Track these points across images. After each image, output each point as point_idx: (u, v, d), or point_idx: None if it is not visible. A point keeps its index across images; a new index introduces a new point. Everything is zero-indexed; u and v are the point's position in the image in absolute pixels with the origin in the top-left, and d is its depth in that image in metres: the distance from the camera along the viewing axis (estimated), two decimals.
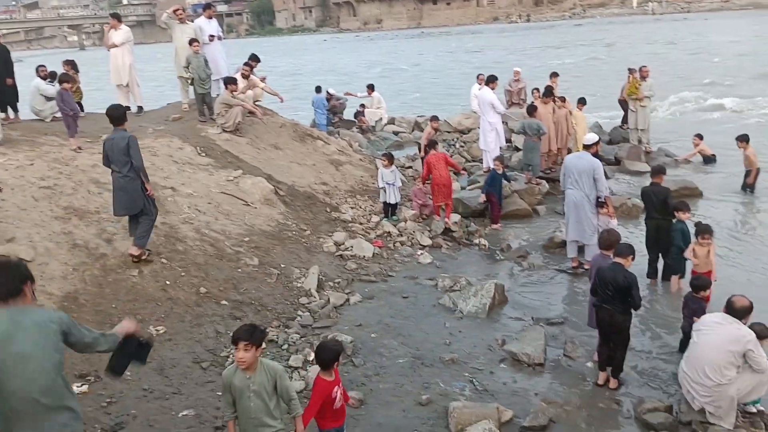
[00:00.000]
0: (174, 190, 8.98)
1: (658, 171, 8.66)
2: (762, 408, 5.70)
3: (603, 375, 6.27)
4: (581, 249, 9.02)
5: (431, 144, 11.76)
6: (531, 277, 9.07)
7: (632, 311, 6.06)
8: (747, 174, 12.13)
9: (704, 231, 7.46)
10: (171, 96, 17.95)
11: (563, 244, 9.48)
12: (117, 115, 7.07)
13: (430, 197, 11.37)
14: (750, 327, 5.57)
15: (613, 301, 5.97)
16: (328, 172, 11.98)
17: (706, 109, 21.24)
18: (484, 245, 10.29)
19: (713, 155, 14.21)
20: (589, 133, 9.91)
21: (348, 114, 19.05)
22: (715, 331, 5.57)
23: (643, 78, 14.67)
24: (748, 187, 12.12)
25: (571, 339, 7.09)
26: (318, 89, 17.57)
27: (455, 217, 10.97)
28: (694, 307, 6.42)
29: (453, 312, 7.87)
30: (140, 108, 12.95)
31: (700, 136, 14.43)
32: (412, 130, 18.89)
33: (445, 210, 10.79)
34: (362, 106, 18.59)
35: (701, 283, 6.52)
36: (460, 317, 7.74)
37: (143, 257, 7.27)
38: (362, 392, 6.10)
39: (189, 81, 11.84)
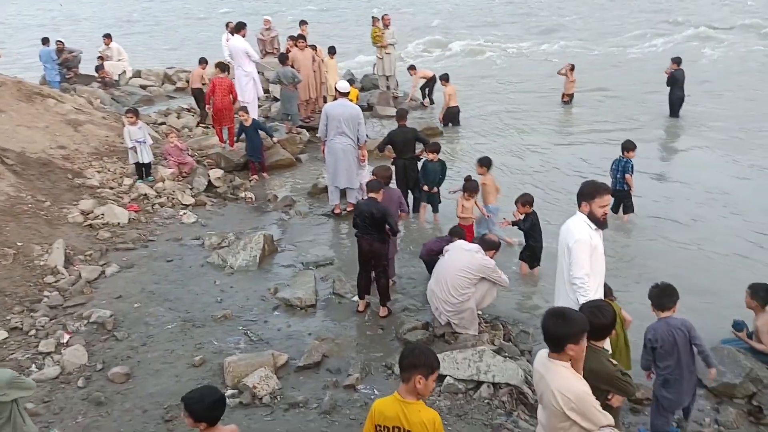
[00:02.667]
0: None
1: (403, 114, 9.31)
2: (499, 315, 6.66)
3: (363, 303, 6.78)
4: (342, 193, 9.40)
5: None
6: (298, 225, 9.25)
7: (389, 240, 6.59)
8: (450, 109, 13.64)
9: (471, 189, 7.93)
10: None
11: (326, 189, 9.78)
12: None
13: (188, 153, 10.86)
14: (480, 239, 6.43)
15: (371, 231, 6.47)
16: (66, 134, 10.69)
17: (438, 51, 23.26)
18: (251, 198, 10.18)
19: (433, 75, 15.30)
20: (341, 81, 10.19)
21: (87, 68, 17.07)
22: (459, 255, 6.28)
23: (386, 26, 15.43)
24: (450, 121, 13.74)
25: (338, 277, 7.44)
26: (45, 41, 15.35)
27: (218, 173, 10.64)
28: (434, 247, 7.05)
29: (223, 269, 7.73)
30: None
31: (413, 67, 15.48)
32: (162, 83, 17.63)
33: (228, 133, 11.42)
34: (101, 58, 16.76)
35: (457, 230, 6.95)
36: (231, 273, 7.63)
37: None
38: (128, 365, 5.76)
39: None
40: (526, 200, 7.39)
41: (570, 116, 14.71)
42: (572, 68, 15.16)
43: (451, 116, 13.76)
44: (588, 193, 4.72)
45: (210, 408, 3.43)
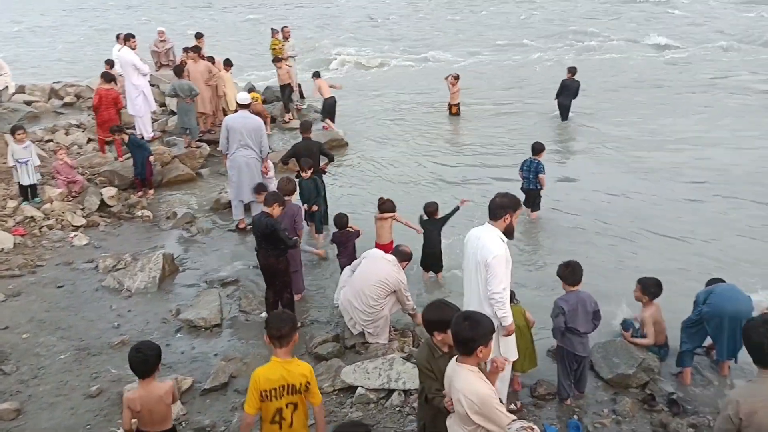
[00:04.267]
0: None
1: (307, 127, 9.26)
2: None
3: None
4: (247, 207, 9.20)
5: None
6: (201, 242, 8.96)
7: (285, 254, 6.48)
8: (326, 101, 13.80)
9: (384, 209, 7.56)
10: None
11: (229, 204, 9.54)
12: None
13: (79, 171, 10.27)
14: (395, 250, 6.49)
15: (265, 245, 6.39)
16: None
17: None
18: (148, 216, 9.74)
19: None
20: (240, 93, 10.01)
21: None
22: (376, 264, 6.28)
23: (286, 38, 15.33)
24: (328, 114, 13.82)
25: (245, 294, 7.27)
26: None
27: (111, 191, 10.11)
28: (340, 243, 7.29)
29: (120, 292, 7.36)
30: None
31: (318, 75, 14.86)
32: (49, 99, 16.55)
33: (115, 145, 11.18)
34: None
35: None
36: (129, 296, 7.28)
37: None
38: (18, 400, 5.36)
39: None
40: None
41: (457, 128, 14.50)
42: (456, 77, 14.85)
43: (329, 108, 13.77)
44: (511, 205, 4.75)
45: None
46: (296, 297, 7.03)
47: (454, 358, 3.57)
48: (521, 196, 8.75)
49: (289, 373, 3.79)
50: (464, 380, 3.42)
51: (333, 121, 13.80)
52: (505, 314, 4.70)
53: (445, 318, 3.72)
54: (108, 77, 11.38)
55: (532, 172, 9.10)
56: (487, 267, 4.63)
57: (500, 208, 4.72)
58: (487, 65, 20.85)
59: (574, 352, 5.26)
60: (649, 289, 5.99)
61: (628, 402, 5.36)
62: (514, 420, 3.45)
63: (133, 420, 4.06)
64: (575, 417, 5.26)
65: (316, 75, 14.11)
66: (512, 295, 5.34)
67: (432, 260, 7.64)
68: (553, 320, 5.21)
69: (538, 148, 9.14)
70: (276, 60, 14.34)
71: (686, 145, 12.17)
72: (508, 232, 4.77)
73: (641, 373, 5.64)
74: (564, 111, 14.03)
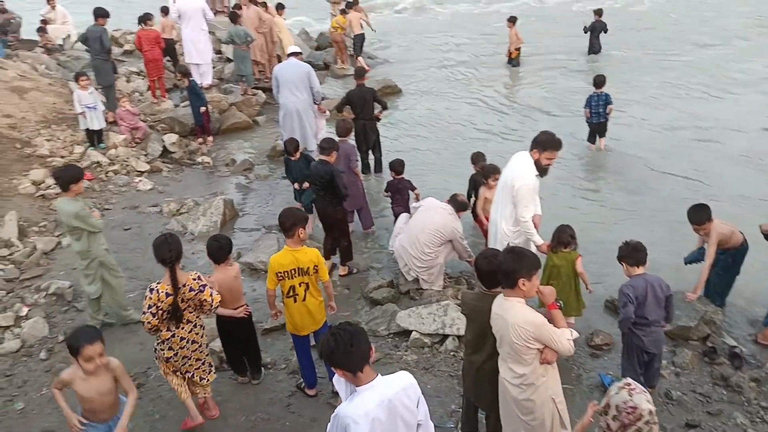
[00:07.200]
0: None
1: (361, 73, 9.17)
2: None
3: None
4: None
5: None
6: (259, 188, 9.14)
7: (342, 204, 6.55)
8: (356, 37, 14.09)
9: (493, 171, 6.64)
10: None
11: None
12: None
13: (141, 118, 10.54)
14: (452, 199, 6.43)
15: (323, 195, 6.46)
16: (11, 103, 10.22)
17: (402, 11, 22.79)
18: (208, 163, 9.99)
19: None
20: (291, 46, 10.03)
21: (28, 33, 16.21)
22: (433, 213, 6.28)
23: None
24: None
25: None
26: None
27: (173, 137, 10.36)
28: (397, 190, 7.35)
29: (183, 235, 7.61)
30: None
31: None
32: None
33: (159, 84, 11.77)
34: (44, 21, 15.93)
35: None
36: (192, 239, 7.53)
37: None
38: None
39: None
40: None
41: (512, 76, 14.10)
42: (512, 20, 14.25)
43: (358, 43, 13.98)
44: (541, 142, 5.18)
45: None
46: (364, 232, 7.53)
47: (500, 295, 3.60)
48: (585, 132, 9.84)
49: (297, 259, 4.50)
50: (513, 312, 3.47)
51: (359, 56, 13.74)
52: (533, 236, 5.32)
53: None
54: (142, 18, 11.51)
55: (601, 105, 9.47)
56: (515, 192, 5.24)
57: (533, 141, 5.25)
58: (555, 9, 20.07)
59: (644, 350, 4.63)
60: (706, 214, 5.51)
61: (688, 354, 5.28)
62: (571, 331, 3.51)
63: None
64: (610, 375, 5.10)
65: (349, 6, 13.89)
66: (570, 239, 5.24)
67: None
68: (621, 310, 4.52)
69: (601, 81, 9.52)
70: (349, 5, 14.07)
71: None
72: (539, 169, 5.23)
73: (702, 325, 5.53)
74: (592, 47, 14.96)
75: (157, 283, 4.20)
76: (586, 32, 14.93)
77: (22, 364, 5.40)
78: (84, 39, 10.76)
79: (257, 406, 4.92)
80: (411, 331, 5.63)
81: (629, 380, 2.88)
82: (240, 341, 4.96)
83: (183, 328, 4.32)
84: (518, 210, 5.28)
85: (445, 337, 5.58)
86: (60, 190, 5.47)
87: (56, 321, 5.94)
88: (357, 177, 7.45)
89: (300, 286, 4.56)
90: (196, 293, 4.26)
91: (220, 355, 5.30)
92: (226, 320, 4.83)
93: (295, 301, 4.60)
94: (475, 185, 7.19)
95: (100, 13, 10.52)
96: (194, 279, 4.30)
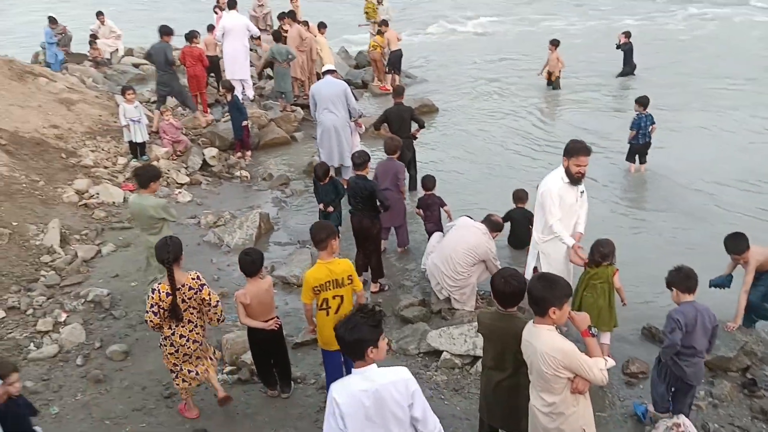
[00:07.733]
0: None
1: (400, 91, 9.23)
2: None
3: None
4: (336, 171, 9.36)
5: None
6: (294, 203, 9.24)
7: (378, 218, 6.61)
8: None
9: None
10: None
11: None
12: None
13: (183, 132, 10.79)
14: (486, 219, 6.40)
15: (361, 208, 6.49)
16: (59, 114, 10.59)
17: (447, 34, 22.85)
18: (246, 177, 10.15)
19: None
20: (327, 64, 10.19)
21: (77, 47, 16.83)
22: (466, 232, 6.26)
23: (379, 2, 15.25)
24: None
25: None
26: (52, 20, 15.01)
27: (213, 151, 10.58)
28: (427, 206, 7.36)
29: (220, 247, 7.74)
30: None
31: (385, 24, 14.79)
32: None
33: (201, 100, 12.00)
34: (93, 36, 16.52)
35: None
36: (228, 251, 7.65)
37: None
38: (126, 343, 5.80)
39: None
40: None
41: (551, 99, 13.92)
42: (555, 44, 14.02)
43: (395, 60, 13.96)
44: (568, 149, 5.32)
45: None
46: (399, 250, 7.57)
47: (530, 322, 3.55)
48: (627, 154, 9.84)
49: (332, 271, 4.55)
50: (542, 339, 3.41)
51: (399, 73, 13.82)
52: (564, 238, 5.39)
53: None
54: (188, 36, 11.78)
55: (647, 126, 9.45)
56: (539, 198, 5.46)
57: (564, 150, 5.36)
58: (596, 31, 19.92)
59: (684, 380, 4.44)
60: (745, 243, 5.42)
61: (727, 386, 5.11)
62: (606, 360, 3.44)
63: None
64: (644, 404, 4.94)
65: (384, 24, 14.04)
66: (610, 253, 5.15)
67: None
68: (667, 336, 4.32)
69: (646, 103, 9.45)
70: (384, 24, 14.23)
71: None
72: (569, 176, 5.33)
73: (742, 356, 5.35)
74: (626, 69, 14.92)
75: (159, 284, 4.43)
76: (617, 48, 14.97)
77: (58, 369, 5.53)
78: (148, 55, 11.29)
79: (286, 420, 4.94)
80: (441, 351, 5.59)
81: (680, 419, 2.78)
82: (270, 354, 5.01)
83: (184, 327, 4.54)
84: (546, 217, 5.43)
85: (476, 358, 5.50)
86: (138, 186, 5.95)
87: (93, 328, 6.08)
88: (402, 195, 7.46)
89: (334, 299, 4.61)
90: (196, 292, 4.49)
91: (251, 368, 5.34)
92: (256, 332, 4.88)
93: (328, 314, 4.62)
94: (510, 220, 7.28)
95: (165, 31, 11.13)
96: (193, 278, 4.52)
